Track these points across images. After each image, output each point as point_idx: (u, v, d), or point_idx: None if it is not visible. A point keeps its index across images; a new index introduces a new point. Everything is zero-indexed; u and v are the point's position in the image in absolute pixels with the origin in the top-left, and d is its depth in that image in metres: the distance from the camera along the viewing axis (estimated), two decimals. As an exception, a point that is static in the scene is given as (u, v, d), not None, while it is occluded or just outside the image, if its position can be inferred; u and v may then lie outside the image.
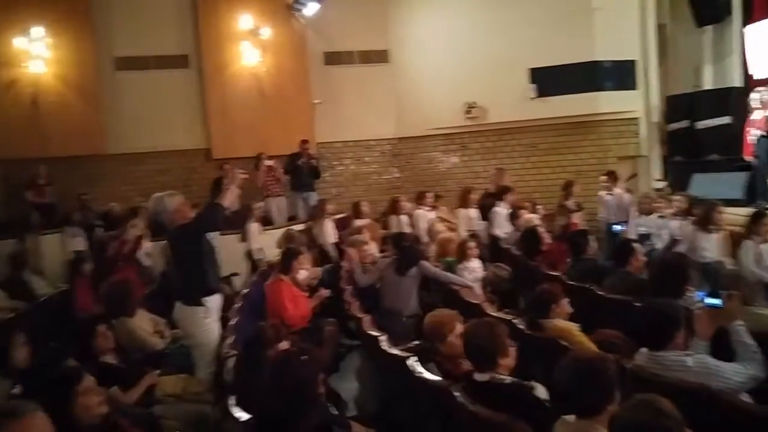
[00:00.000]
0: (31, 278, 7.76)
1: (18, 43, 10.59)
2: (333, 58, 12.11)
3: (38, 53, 10.67)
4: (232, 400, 3.31)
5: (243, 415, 3.05)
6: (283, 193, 10.65)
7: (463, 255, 6.41)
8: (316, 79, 11.87)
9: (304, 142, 10.66)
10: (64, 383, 2.68)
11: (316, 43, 11.91)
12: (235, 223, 8.39)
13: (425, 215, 8.89)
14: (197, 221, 4.59)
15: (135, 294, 5.17)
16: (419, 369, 3.40)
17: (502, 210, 8.40)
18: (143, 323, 5.09)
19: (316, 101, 11.81)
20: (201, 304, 4.54)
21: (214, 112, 11.48)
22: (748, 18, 10.15)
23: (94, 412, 2.69)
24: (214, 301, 4.66)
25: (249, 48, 11.45)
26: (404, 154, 12.55)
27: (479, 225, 8.56)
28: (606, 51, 10.85)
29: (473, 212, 8.68)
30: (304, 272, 6.48)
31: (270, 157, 10.51)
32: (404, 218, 8.81)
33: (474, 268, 6.35)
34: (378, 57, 12.23)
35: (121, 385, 3.80)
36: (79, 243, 8.75)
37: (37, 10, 10.58)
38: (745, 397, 2.98)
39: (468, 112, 11.56)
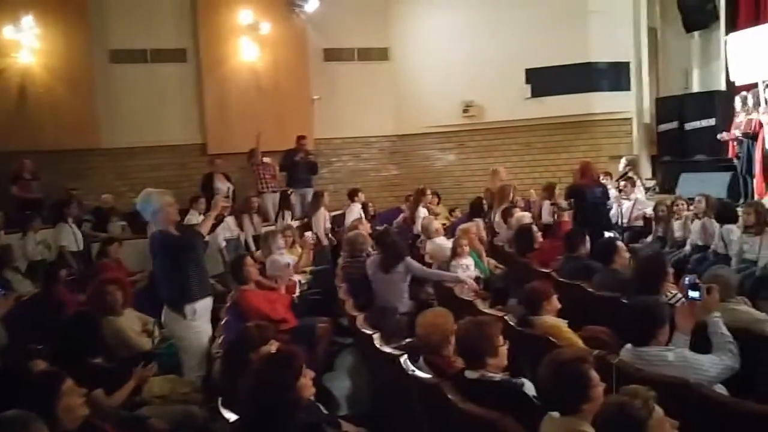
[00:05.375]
0: (11, 276, 7.22)
1: (7, 32, 10.34)
2: (333, 55, 12.07)
3: (28, 43, 10.41)
4: (219, 401, 3.23)
5: (231, 416, 3.00)
6: (278, 190, 10.52)
7: (455, 253, 6.44)
8: (316, 76, 11.85)
9: (301, 138, 10.64)
10: (46, 384, 2.66)
11: (315, 39, 11.85)
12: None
13: (424, 212, 8.88)
14: (177, 242, 4.43)
15: (124, 293, 4.97)
16: (411, 367, 3.41)
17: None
18: (131, 323, 4.95)
19: (315, 97, 11.77)
20: (184, 311, 4.42)
21: (211, 106, 11.41)
22: (732, 26, 10.41)
23: (76, 414, 2.67)
24: (202, 304, 4.52)
25: (248, 43, 11.41)
26: (402, 151, 12.60)
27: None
28: (600, 53, 11.06)
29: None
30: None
31: (264, 153, 10.52)
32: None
33: (468, 265, 6.39)
34: (378, 54, 12.24)
35: (106, 388, 3.67)
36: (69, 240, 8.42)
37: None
38: (721, 389, 3.12)
39: (465, 110, 11.74)
